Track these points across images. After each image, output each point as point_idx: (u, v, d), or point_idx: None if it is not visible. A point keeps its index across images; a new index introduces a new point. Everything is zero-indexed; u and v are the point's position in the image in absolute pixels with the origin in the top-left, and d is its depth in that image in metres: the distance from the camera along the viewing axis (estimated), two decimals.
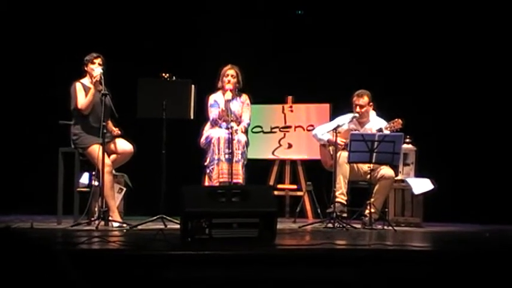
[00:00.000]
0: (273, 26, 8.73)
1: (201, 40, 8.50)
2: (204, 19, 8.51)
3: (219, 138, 6.92)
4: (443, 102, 8.22)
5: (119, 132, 6.57)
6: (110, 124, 6.57)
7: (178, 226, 4.90)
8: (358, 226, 6.61)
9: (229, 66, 7.15)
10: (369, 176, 6.80)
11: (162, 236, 4.76)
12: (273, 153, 8.43)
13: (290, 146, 8.41)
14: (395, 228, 6.55)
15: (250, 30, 8.53)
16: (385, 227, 6.66)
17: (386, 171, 6.91)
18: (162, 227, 5.80)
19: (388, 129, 6.91)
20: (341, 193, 6.87)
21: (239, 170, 6.88)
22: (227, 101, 7.04)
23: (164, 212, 6.04)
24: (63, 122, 6.68)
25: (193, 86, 6.41)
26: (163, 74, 6.38)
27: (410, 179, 7.29)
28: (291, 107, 8.46)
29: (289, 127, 8.44)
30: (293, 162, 8.39)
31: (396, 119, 6.94)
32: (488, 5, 8.15)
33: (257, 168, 7.83)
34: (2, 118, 8.18)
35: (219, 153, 6.89)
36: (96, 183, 6.30)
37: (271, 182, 8.26)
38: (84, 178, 6.70)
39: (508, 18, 8.06)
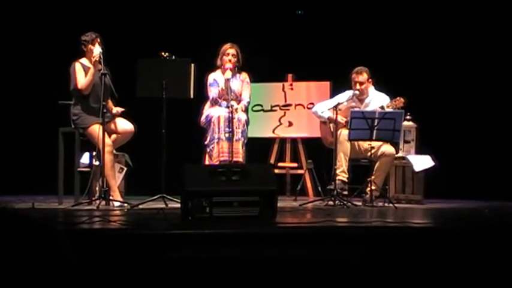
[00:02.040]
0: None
1: (200, 18, 8.47)
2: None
3: (219, 117, 6.91)
4: (444, 78, 8.21)
5: (119, 111, 6.56)
6: (110, 104, 6.57)
7: (178, 205, 4.90)
8: (359, 203, 6.62)
9: (229, 44, 7.11)
10: (369, 153, 6.80)
11: (163, 215, 4.76)
12: (273, 131, 8.43)
13: (290, 124, 8.40)
14: (396, 205, 6.55)
15: (250, 9, 8.48)
16: (386, 204, 6.67)
17: (386, 148, 6.91)
18: (163, 206, 5.81)
19: (390, 107, 6.90)
20: (342, 171, 6.88)
21: (239, 148, 6.88)
22: (227, 80, 7.02)
23: (165, 191, 6.06)
24: (63, 102, 6.67)
25: (193, 64, 6.39)
26: (163, 53, 6.36)
27: (410, 156, 7.30)
28: (291, 85, 8.44)
29: (290, 105, 8.42)
30: (293, 141, 8.39)
31: (398, 98, 6.92)
32: None
33: (257, 147, 7.83)
34: (1, 99, 8.17)
35: (219, 132, 6.88)
36: (97, 163, 6.30)
37: (272, 161, 8.26)
38: (85, 158, 6.70)
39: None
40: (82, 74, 6.40)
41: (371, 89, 7.19)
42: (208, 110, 7.10)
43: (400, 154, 7.28)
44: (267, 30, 8.57)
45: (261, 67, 7.88)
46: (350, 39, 8.20)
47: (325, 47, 8.32)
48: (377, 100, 7.08)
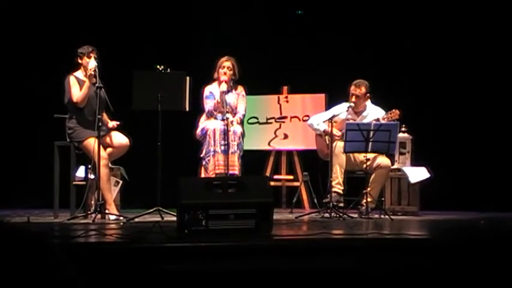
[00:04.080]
0: (270, 18, 8.71)
1: (196, 31, 8.48)
2: (200, 9, 8.49)
3: (214, 129, 6.92)
4: (439, 90, 8.22)
5: (115, 125, 6.56)
6: (105, 117, 6.56)
7: (175, 218, 4.90)
8: (355, 215, 6.62)
9: (225, 57, 7.13)
10: (365, 165, 6.80)
11: (159, 228, 4.75)
12: (269, 144, 8.43)
13: (286, 136, 8.40)
14: (392, 217, 6.56)
15: (245, 21, 8.51)
16: (382, 216, 6.66)
17: (382, 160, 6.92)
18: (159, 219, 5.80)
19: (385, 119, 6.91)
20: (337, 183, 6.88)
21: (235, 161, 6.88)
22: (222, 93, 7.03)
23: (161, 204, 6.05)
24: (58, 115, 6.67)
25: (188, 77, 6.40)
26: (158, 66, 6.37)
27: (406, 168, 7.30)
28: (286, 97, 8.45)
29: (285, 118, 8.42)
30: (289, 153, 8.39)
31: (393, 110, 6.93)
32: None
33: (253, 159, 7.82)
34: None
35: (214, 145, 6.89)
36: (92, 176, 6.29)
37: (268, 173, 8.25)
38: (80, 171, 6.69)
39: (504, 7, 8.06)
40: (77, 87, 6.40)
41: (368, 103, 7.19)
42: (204, 123, 7.11)
43: (395, 166, 7.29)
44: (263, 44, 8.57)
45: (256, 80, 7.88)
46: (346, 51, 8.21)
47: (320, 60, 8.34)
48: (374, 114, 7.08)
